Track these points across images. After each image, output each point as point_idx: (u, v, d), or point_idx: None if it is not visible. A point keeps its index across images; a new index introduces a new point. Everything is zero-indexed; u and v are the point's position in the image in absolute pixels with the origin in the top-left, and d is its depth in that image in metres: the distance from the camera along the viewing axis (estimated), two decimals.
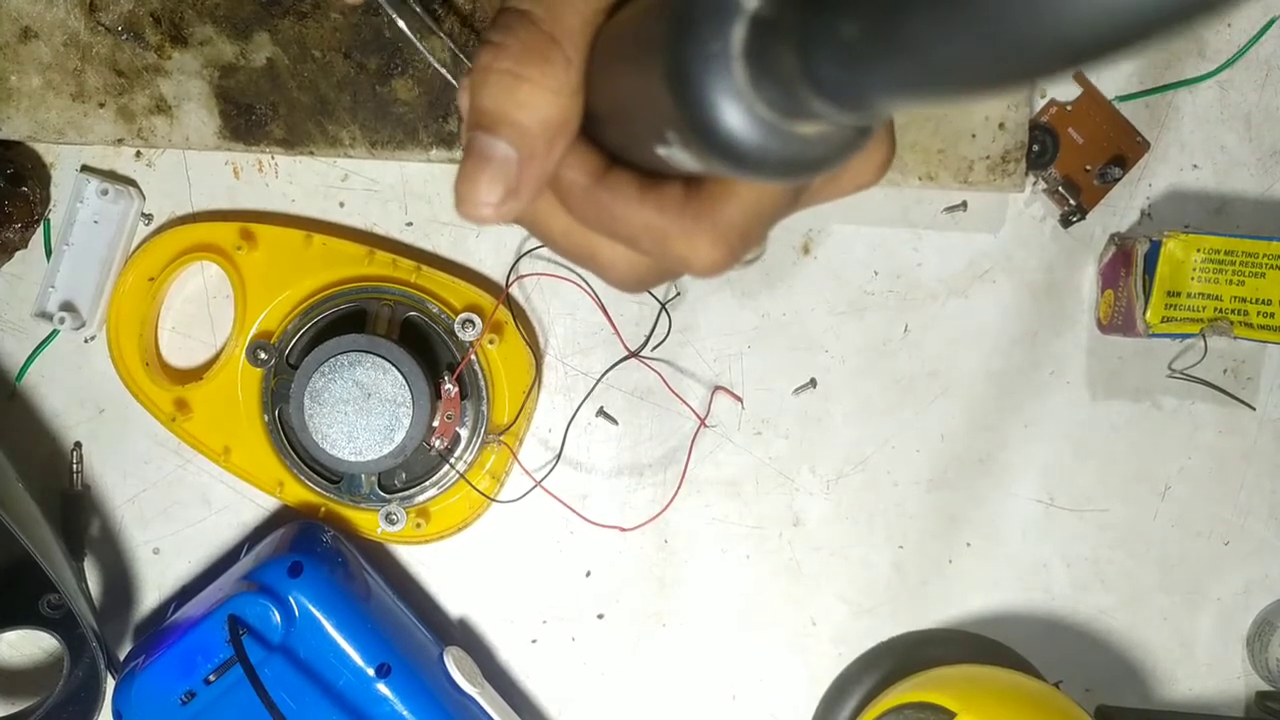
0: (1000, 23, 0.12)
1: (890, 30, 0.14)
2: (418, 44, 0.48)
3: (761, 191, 0.23)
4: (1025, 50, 0.12)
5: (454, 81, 0.51)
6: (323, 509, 0.54)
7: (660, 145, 0.21)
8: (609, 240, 0.25)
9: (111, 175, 0.54)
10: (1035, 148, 0.53)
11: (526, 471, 0.55)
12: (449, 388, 0.51)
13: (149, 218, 0.54)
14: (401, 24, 0.47)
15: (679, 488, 0.55)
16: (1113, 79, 0.54)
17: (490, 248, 0.55)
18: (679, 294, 0.55)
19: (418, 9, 0.47)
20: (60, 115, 0.51)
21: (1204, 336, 0.50)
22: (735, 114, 0.18)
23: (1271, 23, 0.54)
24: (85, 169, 0.54)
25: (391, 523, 0.52)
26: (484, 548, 0.56)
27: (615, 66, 0.23)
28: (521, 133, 0.23)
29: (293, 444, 0.52)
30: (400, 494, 0.53)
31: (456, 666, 0.50)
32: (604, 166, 0.24)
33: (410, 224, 0.54)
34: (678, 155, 0.21)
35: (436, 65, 0.49)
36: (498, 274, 0.55)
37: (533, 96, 0.23)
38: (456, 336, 0.52)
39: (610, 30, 0.23)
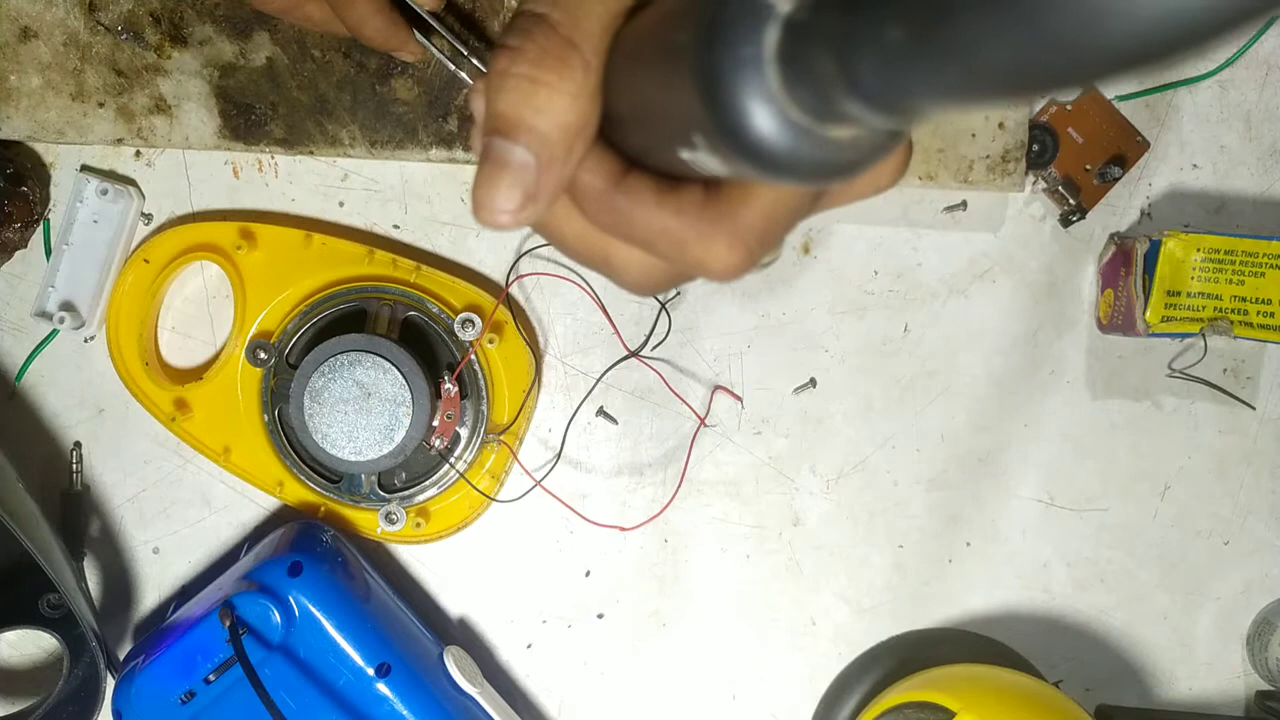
0: (1057, 23, 0.12)
1: (939, 33, 0.14)
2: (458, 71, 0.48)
3: (781, 195, 0.22)
4: (1084, 52, 0.12)
5: (467, 79, 0.51)
6: (322, 509, 0.54)
7: (685, 149, 0.21)
8: (624, 243, 0.25)
9: (111, 175, 0.54)
10: (1035, 147, 0.53)
11: (526, 471, 0.55)
12: (449, 387, 0.51)
13: (149, 217, 0.54)
14: (450, 65, 0.47)
15: (679, 487, 0.55)
16: None
17: (490, 248, 0.55)
18: (679, 294, 0.55)
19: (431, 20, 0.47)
20: (60, 115, 0.51)
21: (1204, 336, 0.50)
22: (767, 118, 0.18)
23: (1271, 22, 0.54)
24: (85, 169, 0.54)
25: (391, 522, 0.52)
26: (484, 547, 0.56)
27: (637, 70, 0.22)
28: (539, 138, 0.22)
29: (293, 444, 0.52)
30: (400, 493, 0.53)
31: (456, 666, 0.50)
32: (621, 170, 0.24)
33: (397, 226, 0.54)
34: (703, 159, 0.20)
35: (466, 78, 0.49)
36: (497, 274, 0.55)
37: (551, 101, 0.22)
38: (456, 336, 0.51)
39: (631, 33, 0.23)
